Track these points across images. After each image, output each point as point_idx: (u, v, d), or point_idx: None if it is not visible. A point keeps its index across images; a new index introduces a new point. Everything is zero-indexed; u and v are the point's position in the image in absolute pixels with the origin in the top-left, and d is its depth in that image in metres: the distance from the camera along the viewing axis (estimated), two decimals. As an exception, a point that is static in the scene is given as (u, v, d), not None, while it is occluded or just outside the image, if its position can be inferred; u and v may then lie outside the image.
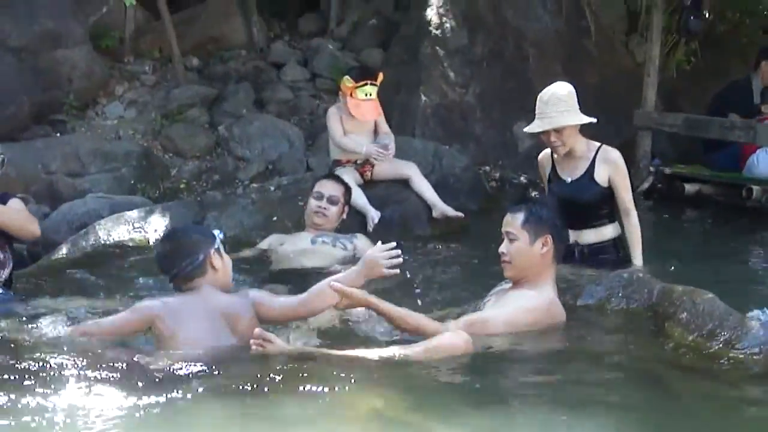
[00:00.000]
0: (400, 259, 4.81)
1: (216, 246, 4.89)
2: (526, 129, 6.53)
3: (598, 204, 6.42)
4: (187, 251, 4.84)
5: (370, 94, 8.06)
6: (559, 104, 6.31)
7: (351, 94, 8.01)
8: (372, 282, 5.79)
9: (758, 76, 10.51)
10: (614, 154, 6.43)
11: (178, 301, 4.86)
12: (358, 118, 8.06)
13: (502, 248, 5.29)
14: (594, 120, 6.38)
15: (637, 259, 6.31)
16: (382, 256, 4.77)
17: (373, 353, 4.73)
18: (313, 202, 7.26)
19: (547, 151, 6.59)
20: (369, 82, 8.10)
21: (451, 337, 4.80)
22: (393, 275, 4.85)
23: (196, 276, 4.84)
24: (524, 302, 5.18)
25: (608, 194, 6.40)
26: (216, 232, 5.04)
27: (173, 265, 4.88)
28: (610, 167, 6.38)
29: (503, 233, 5.32)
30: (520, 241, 5.23)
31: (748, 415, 4.23)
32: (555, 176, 6.54)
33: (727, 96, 10.52)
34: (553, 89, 6.39)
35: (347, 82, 8.07)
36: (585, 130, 6.50)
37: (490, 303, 5.36)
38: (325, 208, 7.23)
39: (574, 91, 6.38)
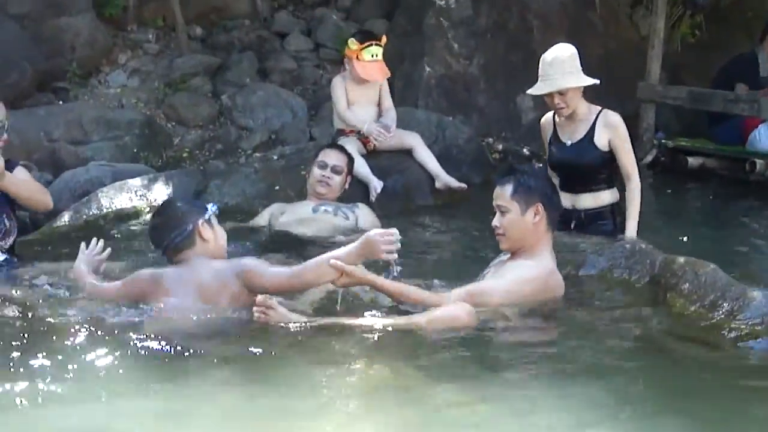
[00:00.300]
0: (399, 245, 4.78)
1: (206, 217, 4.88)
2: (530, 91, 6.55)
3: (597, 168, 6.41)
4: (175, 223, 4.86)
5: (376, 55, 8.06)
6: (562, 66, 6.33)
7: (357, 57, 8.01)
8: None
9: (764, 49, 10.49)
10: (615, 118, 6.43)
11: (169, 272, 4.88)
12: (367, 79, 8.05)
13: (495, 221, 5.26)
14: (596, 81, 6.38)
15: (631, 226, 6.26)
16: (381, 240, 4.74)
17: (375, 322, 4.75)
18: (316, 171, 7.24)
19: (549, 114, 6.62)
20: (374, 43, 8.10)
21: (453, 308, 4.80)
22: (390, 260, 4.84)
23: (185, 247, 4.86)
24: (523, 272, 5.16)
25: (608, 158, 6.40)
26: (209, 205, 5.01)
27: (162, 237, 4.91)
28: (611, 131, 6.38)
29: (494, 206, 5.30)
30: (512, 213, 5.20)
31: (750, 385, 4.25)
32: (555, 139, 6.56)
33: (732, 69, 10.48)
34: (556, 51, 6.40)
35: (352, 44, 8.06)
36: (588, 96, 6.51)
37: (489, 274, 5.35)
38: (329, 178, 7.22)
39: (576, 53, 6.39)
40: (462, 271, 5.85)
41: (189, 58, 10.60)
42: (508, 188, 5.23)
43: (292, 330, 4.66)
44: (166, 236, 4.87)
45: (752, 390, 4.18)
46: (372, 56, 8.03)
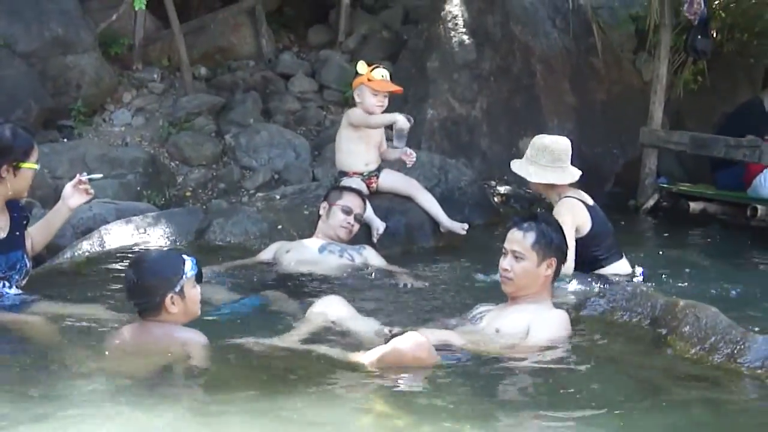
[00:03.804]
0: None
1: (176, 289, 4.81)
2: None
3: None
4: (143, 291, 4.81)
5: (385, 76, 8.09)
6: (527, 151, 6.98)
7: (369, 79, 8.04)
8: (367, 296, 5.90)
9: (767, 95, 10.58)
10: (556, 209, 6.77)
11: (124, 331, 4.94)
12: (386, 89, 8.03)
13: (506, 265, 5.27)
14: (539, 179, 6.87)
15: None
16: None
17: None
18: (341, 216, 7.24)
19: None
20: (381, 65, 8.28)
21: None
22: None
23: (149, 315, 4.84)
24: (558, 318, 5.23)
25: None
26: (187, 268, 4.87)
27: (130, 296, 4.90)
28: None
29: (508, 250, 5.30)
30: (527, 261, 5.23)
31: (751, 427, 4.25)
32: None
33: (741, 116, 10.53)
34: (538, 138, 7.01)
35: (361, 67, 8.11)
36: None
37: (487, 318, 5.34)
38: (352, 225, 7.27)
39: (552, 148, 6.86)
40: (455, 311, 5.86)
41: (193, 98, 10.65)
42: (530, 237, 5.25)
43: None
44: (134, 298, 4.87)
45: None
46: (382, 76, 8.07)
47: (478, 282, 6.81)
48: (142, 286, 4.80)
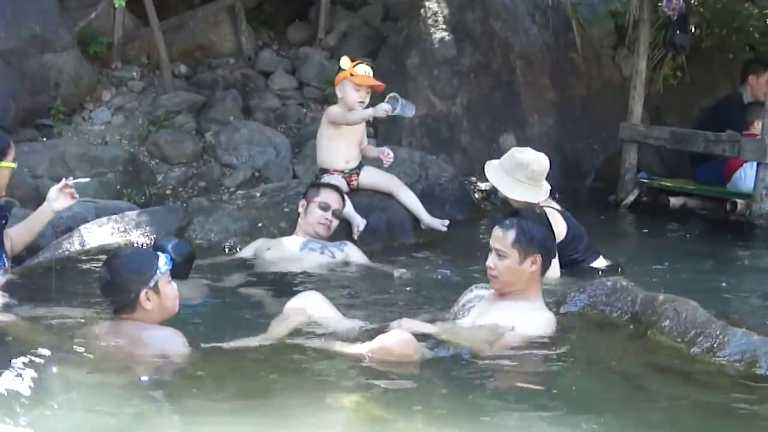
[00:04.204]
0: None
1: (150, 284, 4.81)
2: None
3: None
4: (117, 288, 4.81)
5: (367, 72, 8.08)
6: (505, 163, 6.94)
7: (351, 74, 8.02)
8: (348, 292, 5.89)
9: (746, 89, 10.60)
10: None
11: (99, 329, 4.94)
12: (368, 84, 8.02)
13: (490, 262, 5.27)
14: (515, 196, 6.83)
15: None
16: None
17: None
18: (318, 212, 7.27)
19: None
20: (364, 62, 8.30)
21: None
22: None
23: (124, 312, 4.84)
24: (544, 316, 5.23)
25: None
26: (161, 262, 4.87)
27: (105, 294, 4.91)
28: None
29: (492, 247, 5.30)
30: (510, 259, 5.22)
31: (730, 420, 4.27)
32: None
33: (720, 110, 10.55)
34: (521, 152, 6.95)
35: (344, 63, 8.08)
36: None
37: (475, 311, 5.35)
38: (330, 221, 7.28)
39: (532, 167, 6.81)
40: (437, 306, 5.87)
41: (173, 96, 10.60)
42: (510, 235, 5.23)
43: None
44: (108, 295, 4.88)
45: (733, 424, 4.21)
46: (364, 72, 8.05)
47: (440, 277, 6.84)
48: (116, 283, 4.80)
